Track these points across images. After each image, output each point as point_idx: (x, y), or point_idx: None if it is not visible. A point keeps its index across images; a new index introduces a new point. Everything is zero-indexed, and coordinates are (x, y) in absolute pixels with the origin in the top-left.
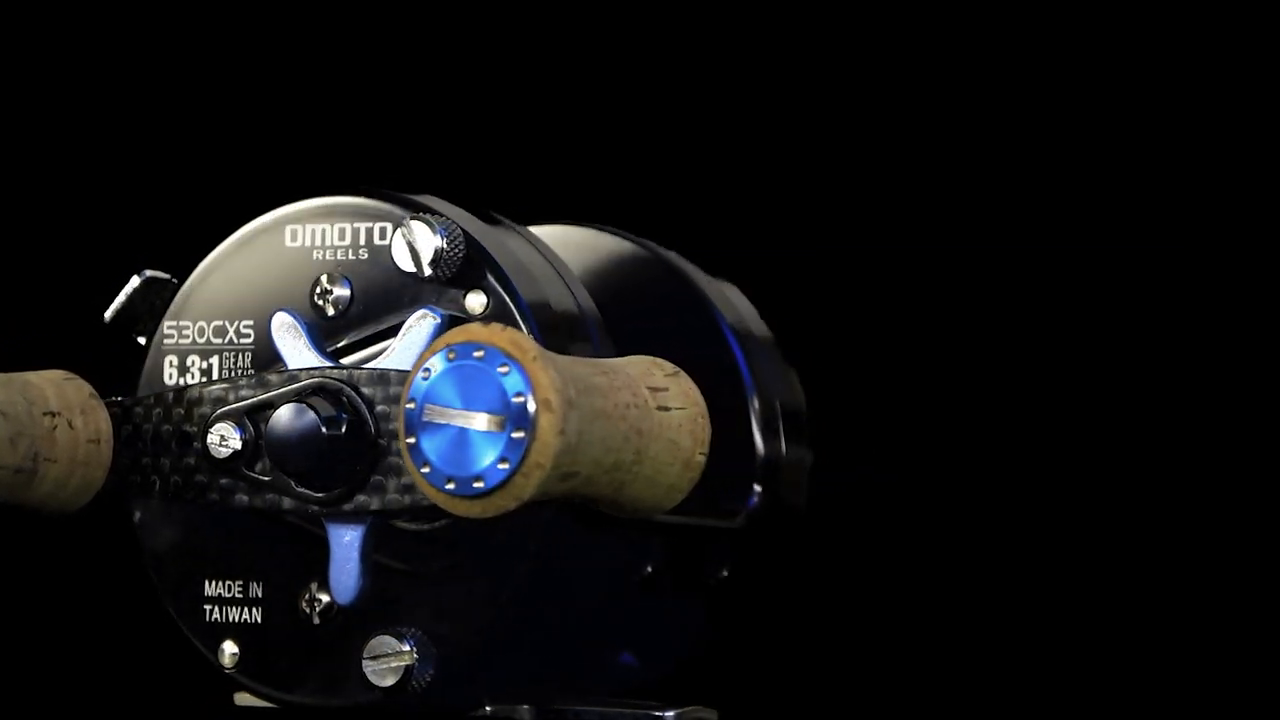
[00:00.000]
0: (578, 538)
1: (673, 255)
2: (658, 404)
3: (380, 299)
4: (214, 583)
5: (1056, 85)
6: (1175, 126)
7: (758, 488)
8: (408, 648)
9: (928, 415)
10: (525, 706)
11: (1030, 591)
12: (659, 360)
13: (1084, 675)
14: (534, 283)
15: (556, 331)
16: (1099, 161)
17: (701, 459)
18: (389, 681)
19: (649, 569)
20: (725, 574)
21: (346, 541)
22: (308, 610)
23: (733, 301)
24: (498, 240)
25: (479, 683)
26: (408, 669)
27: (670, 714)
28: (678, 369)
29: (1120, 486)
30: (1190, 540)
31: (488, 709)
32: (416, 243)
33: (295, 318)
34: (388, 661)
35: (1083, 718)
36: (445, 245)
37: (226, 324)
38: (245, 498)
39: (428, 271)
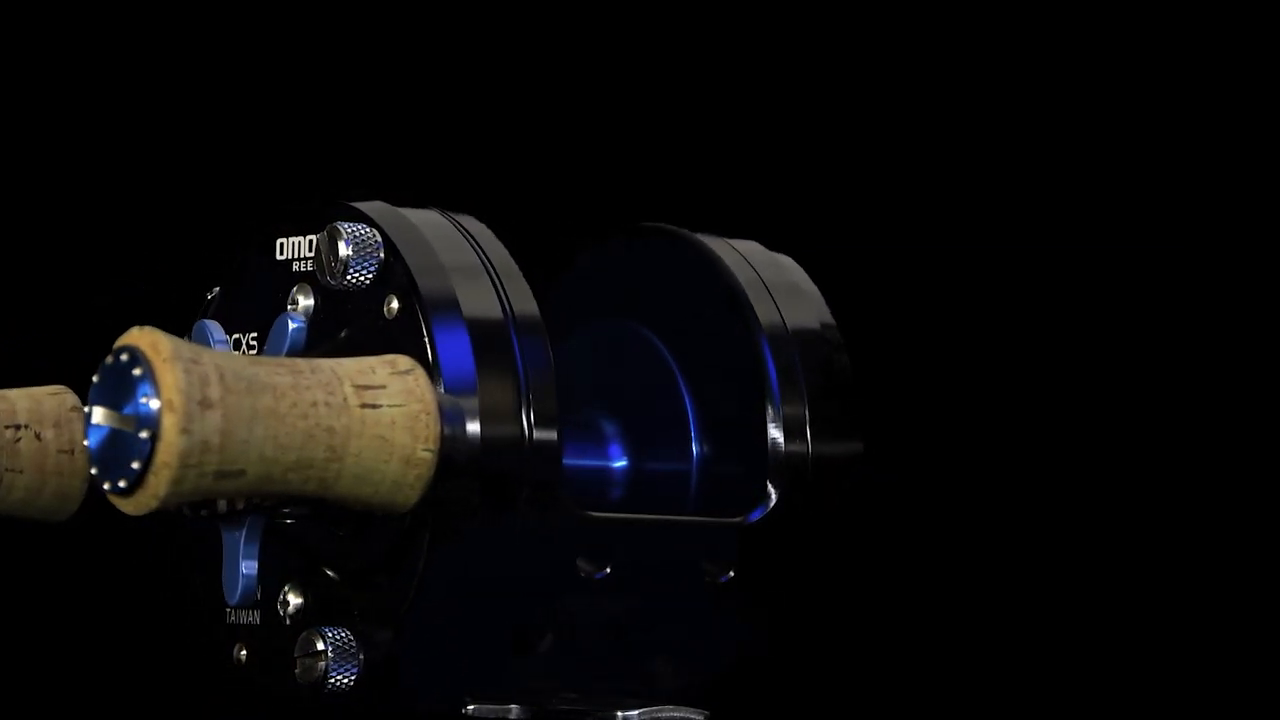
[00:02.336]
0: (506, 535)
1: (720, 250)
2: (362, 401)
3: (334, 308)
4: None
5: (1078, 83)
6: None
7: (771, 488)
8: (322, 646)
9: (928, 416)
10: (514, 706)
11: (1032, 592)
12: (394, 358)
13: (1084, 677)
14: (450, 287)
15: (464, 334)
16: (1107, 160)
17: (427, 455)
18: (309, 679)
19: (608, 569)
20: (729, 575)
21: (233, 543)
22: (281, 611)
23: (772, 296)
24: (424, 245)
25: (419, 681)
26: (324, 667)
27: (635, 713)
28: (414, 366)
29: (1123, 489)
30: (1191, 539)
31: (471, 708)
32: (329, 252)
33: (209, 330)
34: (309, 660)
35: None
36: (352, 253)
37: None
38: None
39: (335, 279)
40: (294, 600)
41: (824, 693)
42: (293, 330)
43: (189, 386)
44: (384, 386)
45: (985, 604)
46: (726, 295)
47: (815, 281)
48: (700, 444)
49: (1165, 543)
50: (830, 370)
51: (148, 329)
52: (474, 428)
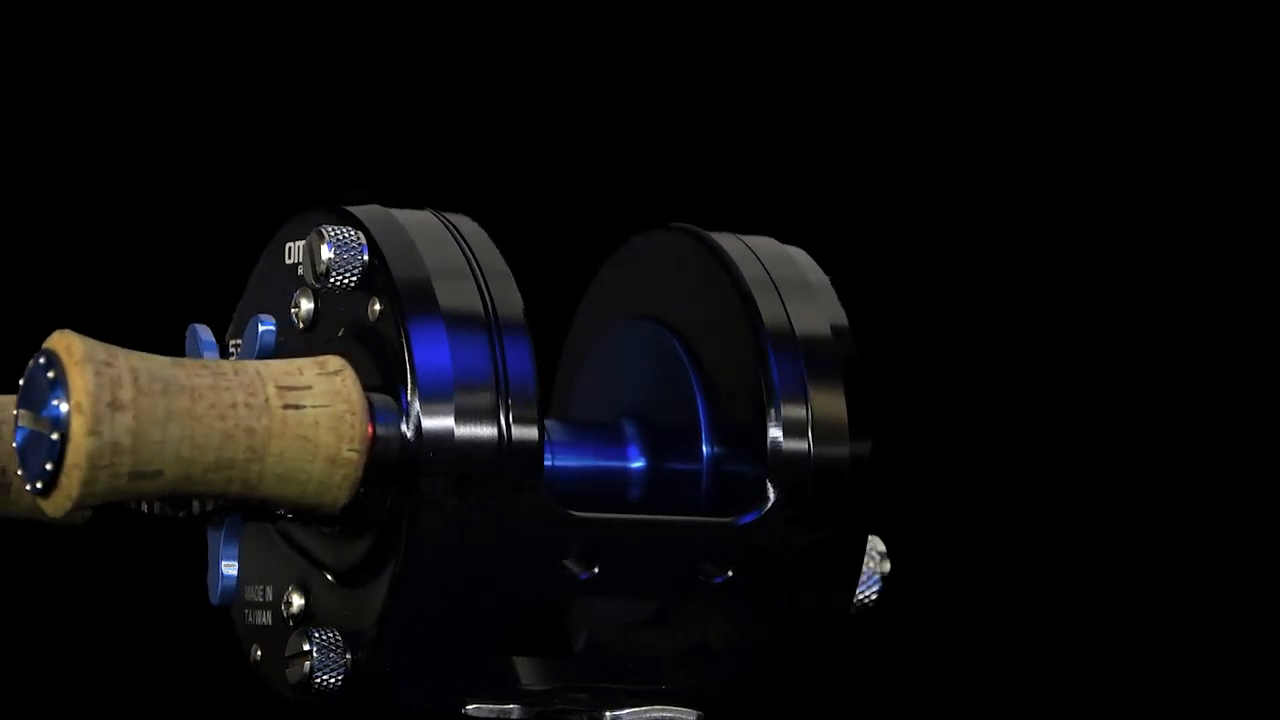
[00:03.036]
0: (486, 535)
1: (729, 245)
2: (285, 402)
3: (330, 310)
4: (251, 588)
5: (1080, 83)
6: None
7: (770, 488)
8: (307, 647)
9: (928, 416)
10: (514, 706)
11: (1032, 592)
12: (325, 358)
13: (1086, 677)
14: (430, 288)
15: (442, 334)
16: (1107, 160)
17: (353, 455)
18: (296, 679)
19: (597, 569)
20: (727, 575)
21: (214, 543)
22: (284, 612)
23: (780, 292)
24: (408, 246)
25: (404, 681)
26: (309, 667)
27: (625, 713)
28: (344, 366)
29: (1125, 490)
30: (1192, 540)
31: (470, 708)
32: (314, 255)
33: (197, 332)
34: (295, 660)
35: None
36: (334, 256)
37: None
38: (153, 507)
39: (320, 282)
40: (296, 601)
41: (823, 693)
42: (262, 332)
43: (98, 389)
44: (309, 387)
45: (985, 604)
46: (734, 292)
47: (830, 277)
48: (711, 444)
49: (1167, 543)
50: (837, 368)
51: (66, 332)
52: (447, 425)
